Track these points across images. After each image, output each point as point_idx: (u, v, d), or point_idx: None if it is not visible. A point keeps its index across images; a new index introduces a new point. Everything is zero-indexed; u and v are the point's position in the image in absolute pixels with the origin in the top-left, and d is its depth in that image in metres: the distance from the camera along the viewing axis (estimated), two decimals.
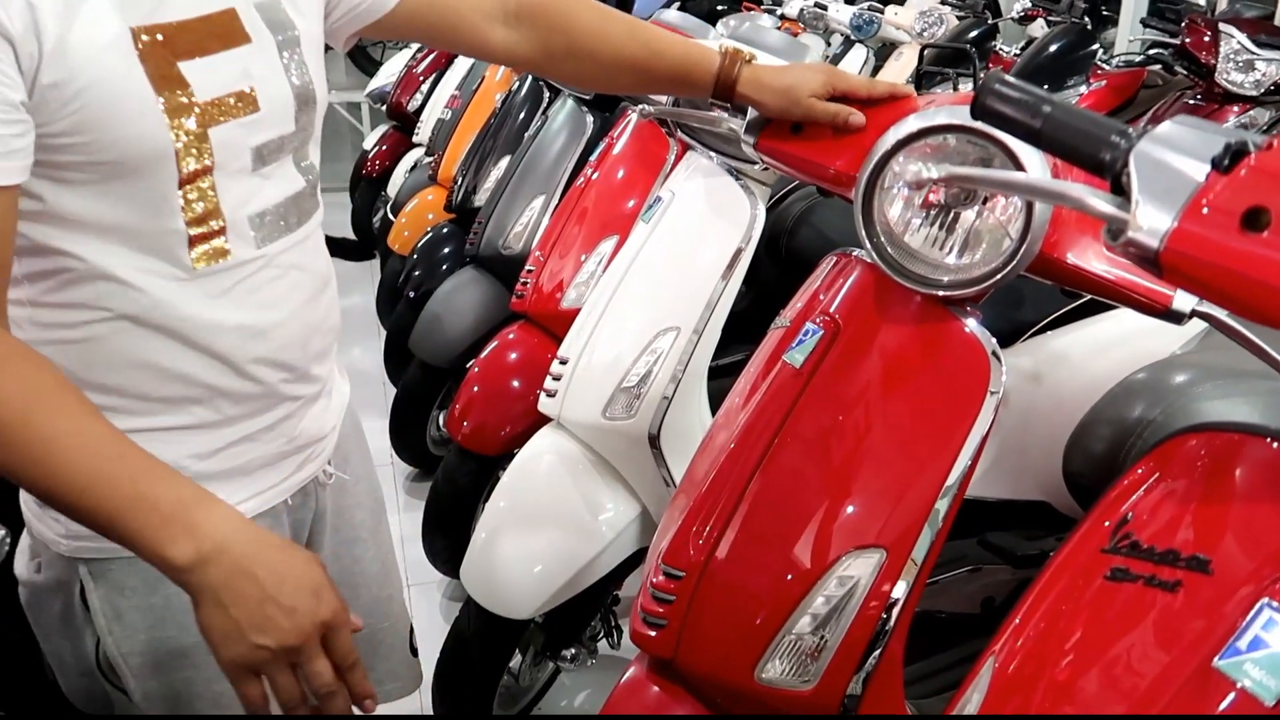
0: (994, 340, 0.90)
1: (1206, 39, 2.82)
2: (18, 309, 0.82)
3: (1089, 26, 3.42)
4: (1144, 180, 0.56)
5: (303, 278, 0.95)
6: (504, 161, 2.72)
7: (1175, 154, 0.56)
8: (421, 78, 4.57)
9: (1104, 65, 3.39)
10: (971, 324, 0.91)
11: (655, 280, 1.43)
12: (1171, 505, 0.66)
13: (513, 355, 1.98)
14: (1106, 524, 0.70)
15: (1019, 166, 0.83)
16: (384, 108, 4.69)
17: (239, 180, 0.86)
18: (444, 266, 2.78)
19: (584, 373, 1.47)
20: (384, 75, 5.07)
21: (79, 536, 0.88)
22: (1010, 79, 0.63)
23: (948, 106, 0.89)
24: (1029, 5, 3.84)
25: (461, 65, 4.05)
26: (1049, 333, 1.48)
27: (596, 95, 2.28)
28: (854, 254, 1.05)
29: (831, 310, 1.00)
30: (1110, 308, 1.24)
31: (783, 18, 4.77)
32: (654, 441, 1.42)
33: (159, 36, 0.79)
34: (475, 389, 1.96)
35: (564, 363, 1.51)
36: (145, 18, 0.78)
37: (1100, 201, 0.57)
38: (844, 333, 0.97)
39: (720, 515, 0.98)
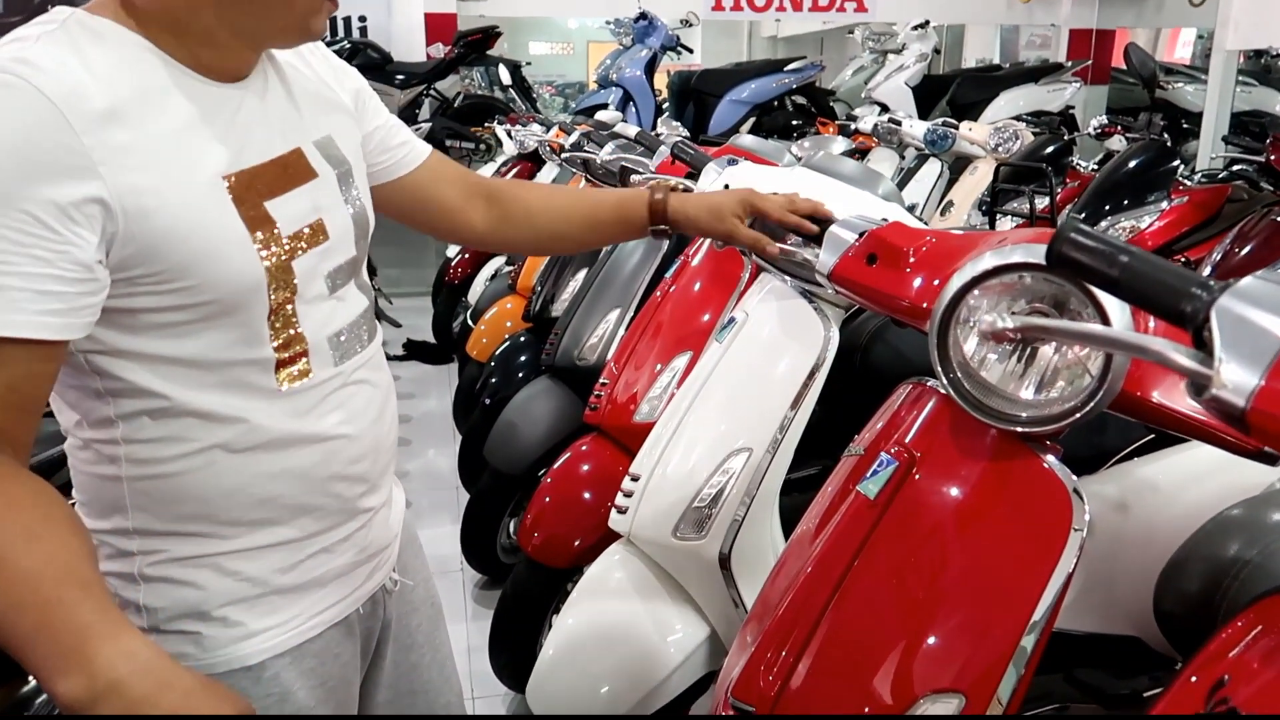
0: (1074, 477, 0.88)
1: None
2: (112, 448, 0.86)
3: (1169, 142, 3.41)
4: (1227, 336, 0.55)
5: (374, 393, 1.00)
6: (581, 274, 2.79)
7: (1258, 310, 0.55)
8: None
9: (1186, 181, 3.36)
10: (1050, 460, 0.90)
11: (729, 400, 1.44)
12: (1271, 669, 0.63)
13: (585, 467, 1.99)
14: (1201, 682, 0.67)
15: (1098, 307, 0.82)
16: None
17: (317, 305, 0.92)
18: (520, 375, 2.83)
19: (655, 490, 1.47)
20: None
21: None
22: (1086, 227, 0.64)
23: (1024, 244, 0.90)
24: (1105, 122, 3.86)
25: (544, 177, 4.22)
26: (1136, 459, 1.43)
27: None
28: (929, 384, 1.05)
29: (906, 441, 0.99)
30: None
31: (856, 132, 4.87)
32: (724, 563, 1.40)
33: (246, 180, 0.86)
34: (547, 500, 1.97)
35: (636, 479, 1.52)
36: (230, 166, 0.85)
37: (1183, 357, 0.56)
38: (919, 466, 0.96)
39: (793, 648, 0.96)
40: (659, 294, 2.03)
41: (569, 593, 2.03)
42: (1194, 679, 0.68)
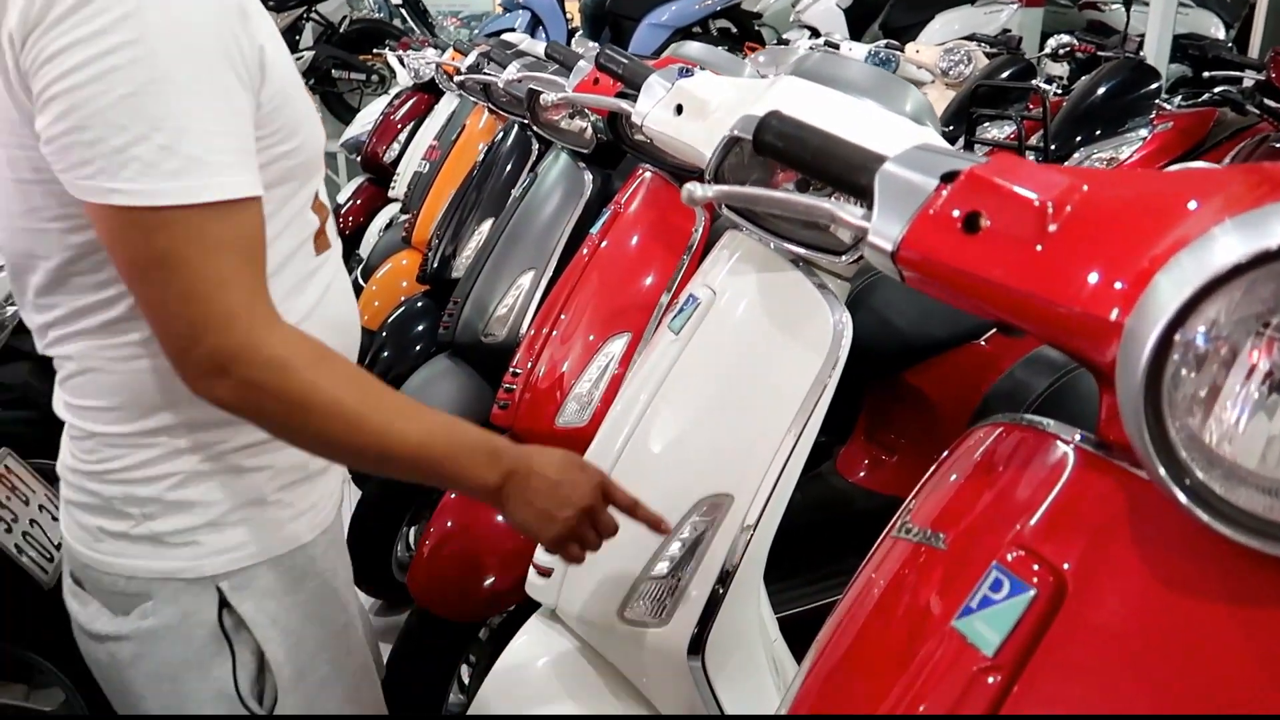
0: None
1: None
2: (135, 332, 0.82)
3: (1144, 61, 3.05)
4: None
5: (348, 284, 1.00)
6: (486, 225, 2.31)
7: None
8: (400, 125, 4.19)
9: (1165, 105, 3.01)
10: None
11: (696, 422, 1.00)
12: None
13: None
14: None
15: None
16: (359, 158, 4.30)
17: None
18: (415, 349, 2.35)
19: (591, 554, 1.03)
20: (360, 123, 4.70)
21: (221, 551, 0.88)
22: None
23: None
24: (1071, 40, 3.47)
25: (442, 111, 3.66)
26: None
27: (596, 148, 1.87)
28: (1045, 428, 0.62)
29: (1040, 549, 0.56)
30: None
31: None
32: (696, 654, 0.97)
33: None
34: (446, 529, 1.52)
35: None
36: None
37: None
38: (1075, 595, 0.54)
39: None
40: (584, 252, 1.56)
41: (481, 640, 1.59)
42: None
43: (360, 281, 3.25)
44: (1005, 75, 3.63)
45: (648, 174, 1.54)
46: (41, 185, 0.76)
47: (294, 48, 5.19)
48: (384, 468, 0.85)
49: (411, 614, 1.55)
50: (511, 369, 1.57)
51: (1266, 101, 2.78)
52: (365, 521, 2.11)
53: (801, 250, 1.00)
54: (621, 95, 1.36)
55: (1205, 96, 3.02)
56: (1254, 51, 5.59)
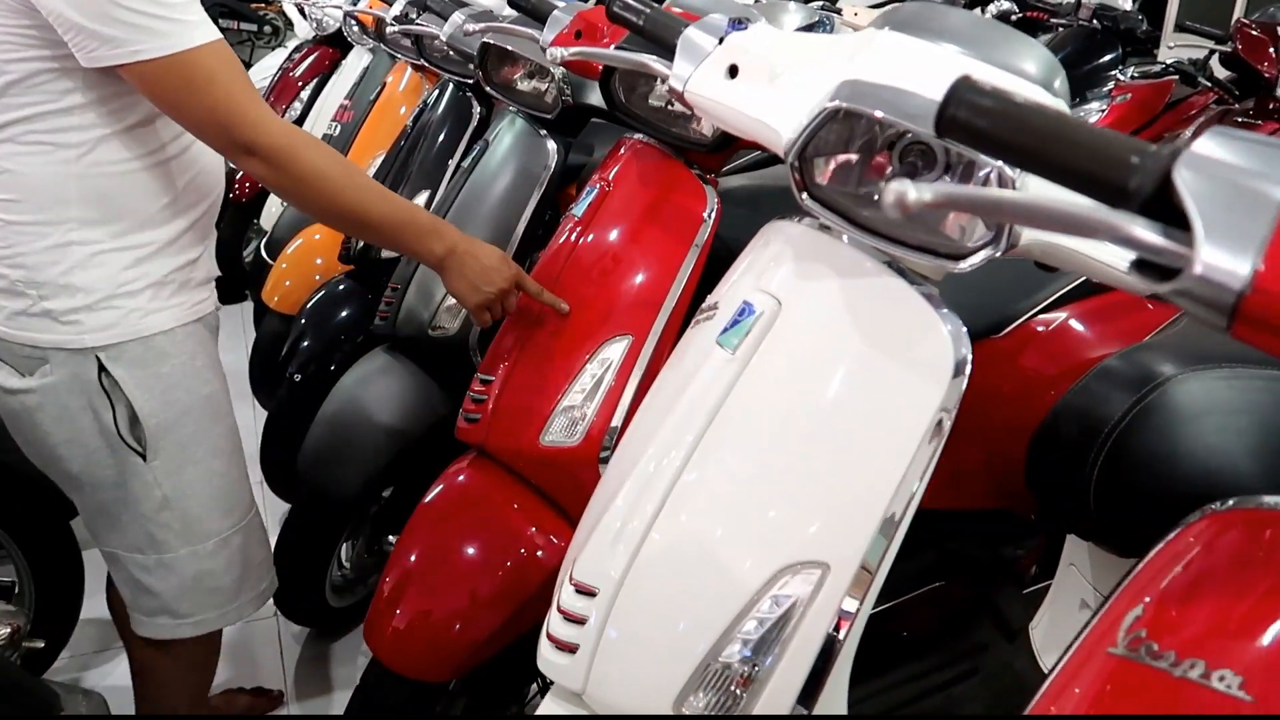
0: None
1: (1271, 50, 2.37)
2: (71, 150, 1.13)
3: (1100, 29, 2.95)
4: None
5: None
6: (421, 199, 2.04)
7: None
8: (300, 83, 3.82)
9: (1119, 77, 2.92)
10: None
11: (771, 468, 0.79)
12: (1192, 599, 0.48)
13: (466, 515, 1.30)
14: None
15: None
16: None
17: None
18: (341, 339, 2.07)
19: (632, 627, 0.82)
20: (254, 78, 4.28)
21: (97, 329, 1.18)
22: None
23: None
24: (1013, 8, 3.35)
25: (351, 67, 3.31)
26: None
27: (560, 113, 1.62)
28: None
29: None
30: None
31: None
32: None
33: None
34: (410, 564, 1.28)
35: (589, 594, 0.86)
36: None
37: None
38: None
39: None
40: (570, 237, 1.33)
41: (450, 694, 1.37)
42: (1120, 604, 0.54)
43: (265, 256, 2.90)
44: None
45: (638, 144, 1.32)
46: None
47: None
48: (363, 231, 1.30)
49: (370, 665, 1.31)
50: (480, 375, 1.33)
51: (1218, 75, 2.74)
52: (292, 540, 1.84)
53: (884, 243, 0.80)
54: (625, 38, 1.13)
55: (1159, 68, 2.96)
56: (1169, 25, 5.65)
